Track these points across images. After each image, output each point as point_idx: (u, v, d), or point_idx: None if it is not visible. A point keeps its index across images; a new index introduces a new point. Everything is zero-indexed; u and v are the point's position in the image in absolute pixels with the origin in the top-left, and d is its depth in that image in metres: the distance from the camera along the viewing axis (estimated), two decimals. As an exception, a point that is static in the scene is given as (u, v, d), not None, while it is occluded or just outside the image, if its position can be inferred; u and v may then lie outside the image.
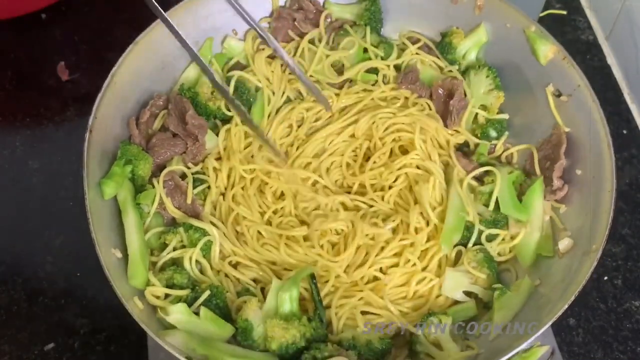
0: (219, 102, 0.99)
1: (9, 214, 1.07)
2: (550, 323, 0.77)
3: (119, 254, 0.85)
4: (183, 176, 0.95)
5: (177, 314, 0.81)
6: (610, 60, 1.24)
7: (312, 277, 0.87)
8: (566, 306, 0.77)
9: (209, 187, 0.95)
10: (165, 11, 0.94)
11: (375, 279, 0.90)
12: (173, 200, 0.92)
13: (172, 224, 0.92)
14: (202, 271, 0.90)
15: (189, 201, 0.92)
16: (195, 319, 0.82)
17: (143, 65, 0.96)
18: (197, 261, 0.89)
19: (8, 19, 1.24)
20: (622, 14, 1.20)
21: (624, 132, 1.15)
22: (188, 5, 0.98)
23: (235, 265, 0.92)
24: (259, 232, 0.92)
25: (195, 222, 0.90)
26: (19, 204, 1.08)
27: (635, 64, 1.17)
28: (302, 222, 0.93)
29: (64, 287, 1.01)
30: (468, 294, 0.89)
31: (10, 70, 1.22)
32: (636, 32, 1.16)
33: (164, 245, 0.90)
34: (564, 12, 1.29)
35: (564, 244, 0.87)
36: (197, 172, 0.96)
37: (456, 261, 0.92)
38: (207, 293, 0.84)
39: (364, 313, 0.88)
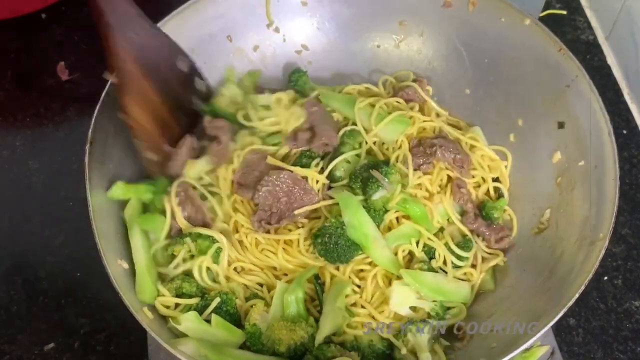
0: (238, 106, 1.00)
1: (9, 214, 1.08)
2: (561, 313, 0.77)
3: (126, 265, 0.85)
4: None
5: (188, 322, 0.82)
6: (610, 60, 1.24)
7: (317, 277, 0.88)
8: (577, 295, 0.77)
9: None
10: (161, 19, 0.94)
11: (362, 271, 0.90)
12: (183, 211, 0.92)
13: (179, 234, 0.91)
14: (212, 279, 0.90)
15: (206, 214, 0.92)
16: (207, 327, 0.82)
17: None
18: (207, 268, 0.89)
19: (8, 19, 1.24)
20: (622, 14, 1.20)
21: (624, 132, 1.15)
22: (183, 13, 0.98)
23: (240, 271, 0.92)
24: (257, 239, 0.92)
25: (203, 230, 0.89)
26: (19, 204, 1.08)
27: (635, 64, 1.17)
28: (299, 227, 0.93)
29: (64, 287, 1.01)
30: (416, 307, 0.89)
31: (10, 70, 1.22)
32: (636, 32, 1.16)
33: (172, 257, 0.90)
34: (564, 12, 1.29)
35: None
36: (210, 184, 0.95)
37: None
38: (217, 300, 0.84)
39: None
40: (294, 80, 1.05)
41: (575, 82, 0.92)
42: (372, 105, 1.00)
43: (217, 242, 0.89)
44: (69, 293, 1.00)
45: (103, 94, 0.90)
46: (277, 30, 1.07)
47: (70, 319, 0.98)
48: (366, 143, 0.97)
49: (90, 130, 0.87)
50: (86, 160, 0.86)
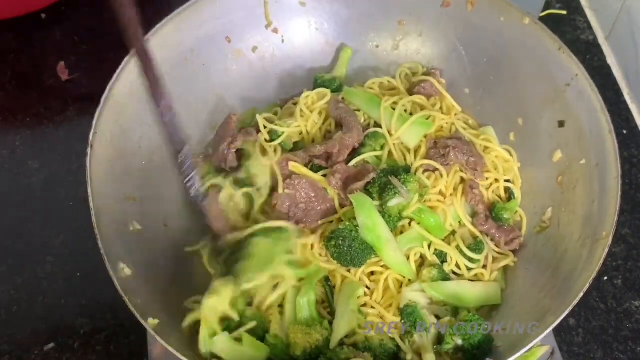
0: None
1: (9, 213, 1.08)
2: (566, 312, 0.77)
3: (128, 271, 0.83)
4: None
5: (221, 344, 0.81)
6: (610, 60, 1.24)
7: (327, 279, 0.88)
8: (582, 294, 0.77)
9: None
10: (160, 20, 0.94)
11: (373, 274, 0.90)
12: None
13: None
14: None
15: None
16: (237, 346, 0.82)
17: (140, 77, 0.95)
18: None
19: (8, 19, 1.24)
20: (622, 14, 1.20)
21: (624, 132, 1.15)
22: (181, 14, 0.98)
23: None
24: None
25: (277, 223, 0.89)
26: (19, 204, 1.08)
27: (635, 64, 1.18)
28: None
29: (64, 287, 1.01)
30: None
31: (10, 70, 1.22)
32: (636, 32, 1.16)
33: None
34: (564, 12, 1.29)
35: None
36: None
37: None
38: (252, 323, 0.84)
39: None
40: (319, 79, 1.06)
41: (575, 81, 0.92)
42: (396, 104, 0.99)
43: None
44: (69, 293, 1.00)
45: (104, 96, 0.90)
46: (275, 30, 1.07)
47: (70, 319, 0.98)
48: (388, 146, 0.97)
49: (91, 133, 0.87)
50: (88, 163, 0.86)
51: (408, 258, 0.89)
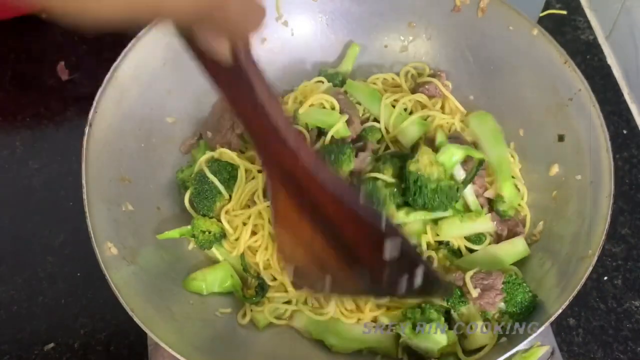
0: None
1: (9, 214, 1.07)
2: (543, 327, 0.76)
3: (115, 250, 0.83)
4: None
5: None
6: (610, 60, 1.24)
7: None
8: (560, 310, 0.77)
9: None
10: None
11: None
12: None
13: None
14: None
15: None
16: None
17: (145, 60, 0.95)
18: None
19: (8, 19, 1.24)
20: (622, 14, 1.20)
21: (624, 132, 1.15)
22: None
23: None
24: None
25: None
26: (19, 204, 1.08)
27: (635, 64, 1.17)
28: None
29: (64, 287, 1.01)
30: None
31: (10, 70, 1.22)
32: (636, 32, 1.16)
33: None
34: (564, 12, 1.29)
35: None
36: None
37: None
38: None
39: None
40: (322, 72, 1.06)
41: (578, 96, 0.92)
42: (397, 101, 0.99)
43: None
44: (69, 293, 1.00)
45: (107, 77, 0.90)
46: (285, 24, 1.07)
47: (70, 319, 0.98)
48: (384, 142, 0.97)
49: (91, 112, 0.87)
50: (85, 142, 0.85)
51: None
